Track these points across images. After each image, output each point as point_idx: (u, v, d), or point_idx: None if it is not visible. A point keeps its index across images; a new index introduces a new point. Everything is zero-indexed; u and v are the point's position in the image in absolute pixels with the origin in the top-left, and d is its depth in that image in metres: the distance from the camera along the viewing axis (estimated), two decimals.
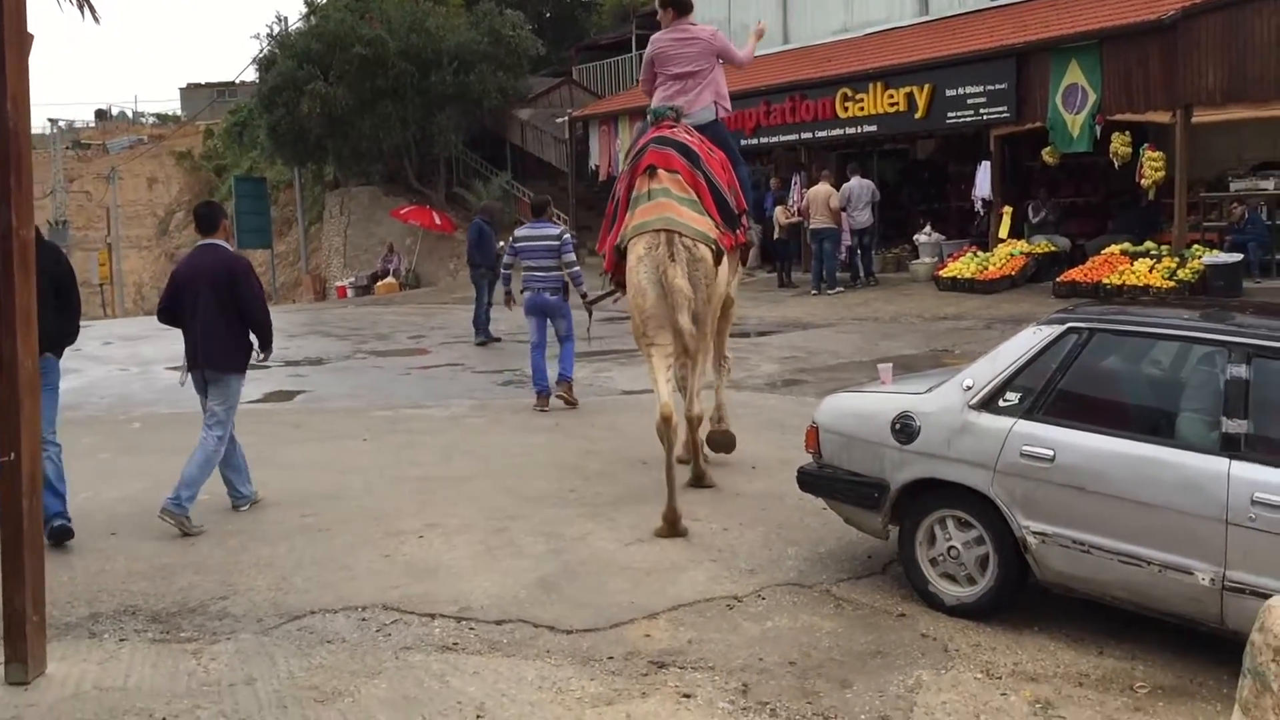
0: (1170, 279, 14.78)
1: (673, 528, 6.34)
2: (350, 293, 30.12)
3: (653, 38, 7.82)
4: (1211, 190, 16.83)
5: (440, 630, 5.08)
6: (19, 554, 4.54)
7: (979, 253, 17.91)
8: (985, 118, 17.69)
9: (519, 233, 10.49)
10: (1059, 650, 4.85)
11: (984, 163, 18.29)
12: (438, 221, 29.65)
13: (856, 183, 19.05)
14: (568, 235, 10.32)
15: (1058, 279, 16.06)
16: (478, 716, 4.25)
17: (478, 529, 6.52)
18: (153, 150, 69.10)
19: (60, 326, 6.23)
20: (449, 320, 18.97)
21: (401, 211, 30.32)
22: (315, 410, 10.68)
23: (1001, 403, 5.10)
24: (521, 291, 10.31)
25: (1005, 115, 17.34)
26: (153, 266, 55.32)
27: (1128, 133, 16.02)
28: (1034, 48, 16.87)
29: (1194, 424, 4.68)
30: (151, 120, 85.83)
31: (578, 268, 10.33)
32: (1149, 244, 15.96)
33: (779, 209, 20.14)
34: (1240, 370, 4.51)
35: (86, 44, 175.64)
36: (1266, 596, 4.22)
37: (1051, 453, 4.85)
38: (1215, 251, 15.29)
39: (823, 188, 18.56)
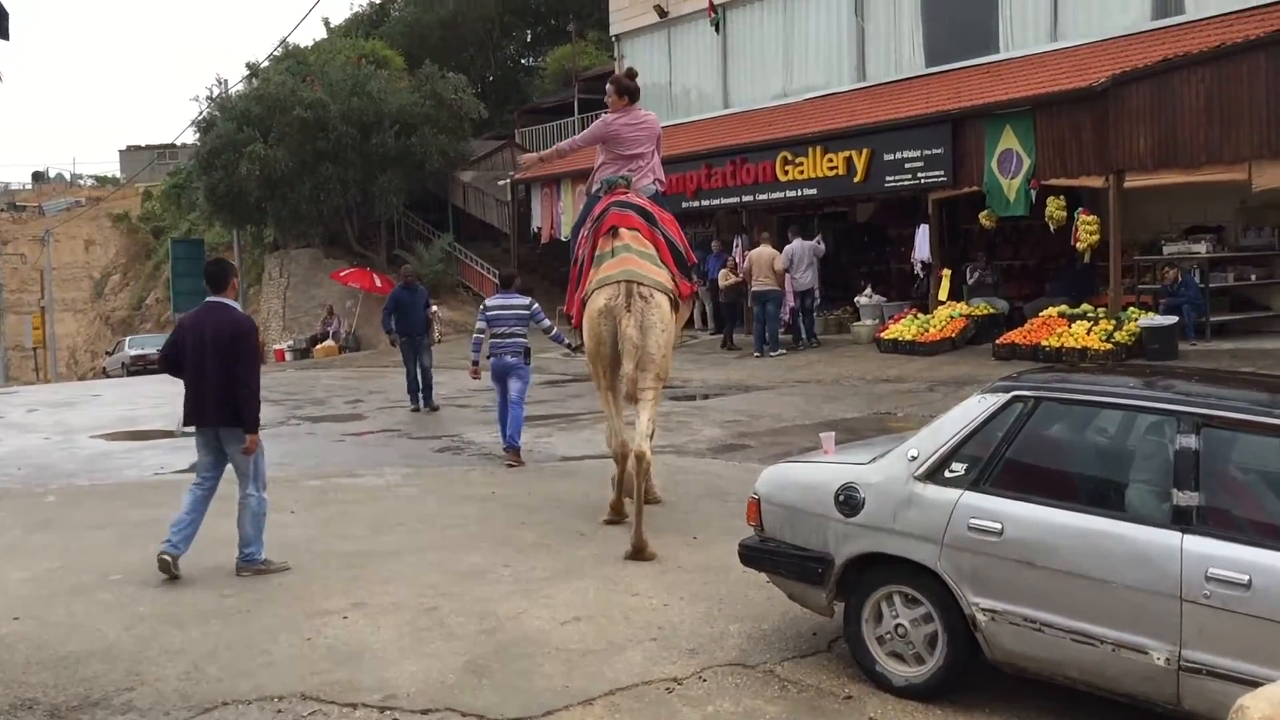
0: (1107, 341, 14.88)
1: (640, 553, 7.07)
2: (289, 356, 29.63)
3: (606, 118, 8.47)
4: (1145, 253, 17.05)
5: None
6: None
7: (919, 315, 17.97)
8: (923, 182, 17.85)
9: (489, 302, 10.97)
10: None
11: (923, 226, 18.42)
12: (378, 284, 29.31)
13: (798, 244, 19.10)
14: (536, 305, 10.87)
15: (997, 341, 16.12)
16: None
17: (406, 608, 6.22)
18: (90, 212, 68.13)
19: None
20: (387, 385, 18.62)
21: (342, 274, 30.00)
22: None
23: (947, 474, 4.94)
24: (488, 357, 10.75)
25: (942, 179, 17.51)
26: (87, 330, 54.27)
27: (1063, 197, 16.22)
28: (969, 114, 17.09)
29: (1144, 496, 4.54)
30: (90, 182, 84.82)
31: (555, 329, 11.07)
32: (1086, 306, 16.10)
33: (722, 271, 20.14)
34: (1189, 440, 4.39)
35: (24, 106, 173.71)
36: (1225, 678, 4.08)
37: (999, 526, 4.69)
38: (1151, 314, 15.44)
39: (765, 250, 18.59)
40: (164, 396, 19.34)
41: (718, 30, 24.60)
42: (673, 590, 6.47)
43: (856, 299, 20.27)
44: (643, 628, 5.87)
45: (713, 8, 24.33)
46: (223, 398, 6.77)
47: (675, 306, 7.94)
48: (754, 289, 18.66)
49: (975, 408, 5.00)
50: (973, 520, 4.76)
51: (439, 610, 6.18)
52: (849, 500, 5.17)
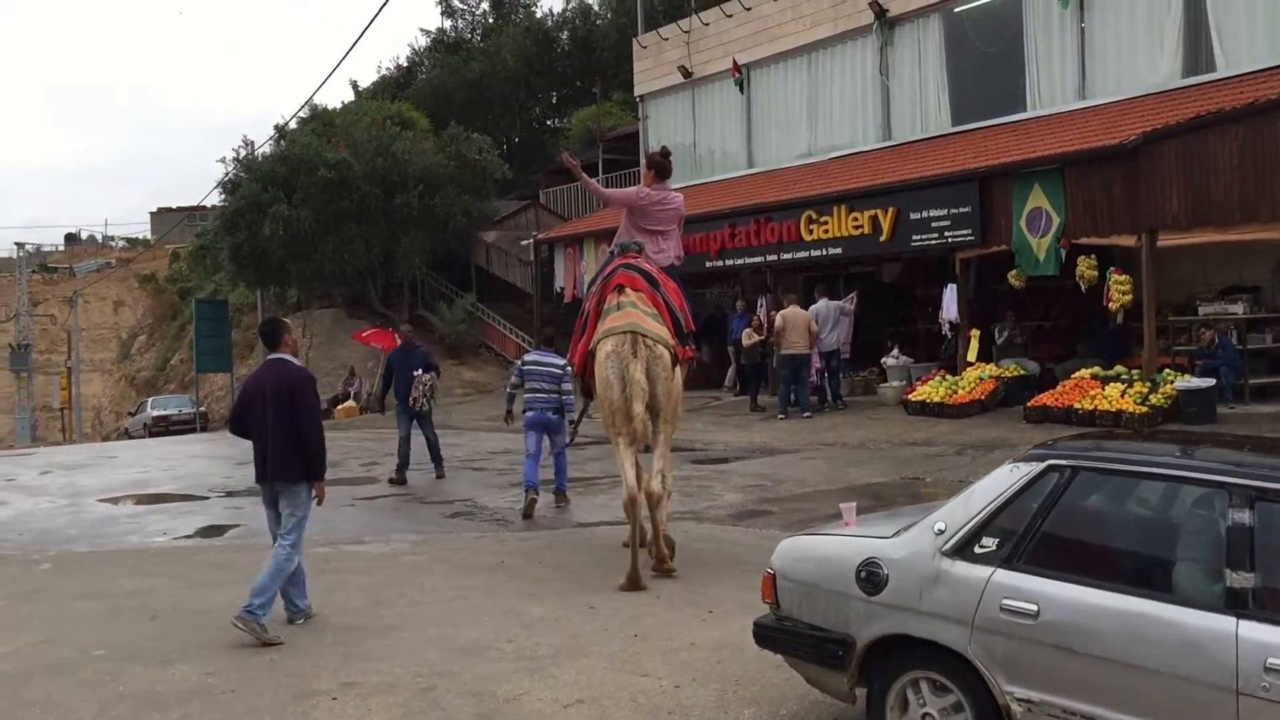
0: (1143, 404, 14.42)
1: (634, 584, 7.68)
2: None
3: (638, 191, 9.08)
4: (1180, 314, 16.62)
5: None
6: None
7: (947, 376, 17.55)
8: (950, 240, 17.53)
9: (528, 358, 11.84)
10: None
11: (950, 285, 18.07)
12: (399, 344, 29.13)
13: (824, 304, 18.77)
14: (569, 367, 10.90)
15: (1028, 403, 15.67)
16: None
17: (401, 688, 5.85)
18: (119, 274, 68.83)
19: None
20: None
21: (364, 334, 29.88)
22: (245, 548, 9.96)
23: (978, 549, 4.56)
24: (524, 411, 11.41)
25: (970, 238, 17.18)
26: (113, 390, 54.45)
27: (1094, 256, 15.84)
28: (997, 172, 16.80)
29: (1194, 576, 4.14)
30: (121, 244, 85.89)
31: (571, 397, 11.32)
32: (1119, 368, 15.64)
33: (746, 330, 19.82)
34: (1243, 515, 3.99)
35: (59, 168, 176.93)
36: None
37: (1035, 607, 4.29)
38: (1187, 376, 14.96)
39: (799, 311, 18.22)
40: (177, 459, 19.17)
41: (742, 90, 24.53)
42: (684, 670, 6.06)
43: (883, 360, 19.88)
44: (650, 713, 5.47)
45: (737, 68, 24.29)
46: (281, 452, 6.87)
47: (675, 362, 8.35)
48: (787, 352, 18.16)
49: (1007, 478, 4.62)
50: (1006, 601, 4.37)
51: (435, 690, 5.80)
52: (871, 577, 4.78)
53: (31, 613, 7.63)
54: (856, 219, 18.83)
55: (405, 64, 43.71)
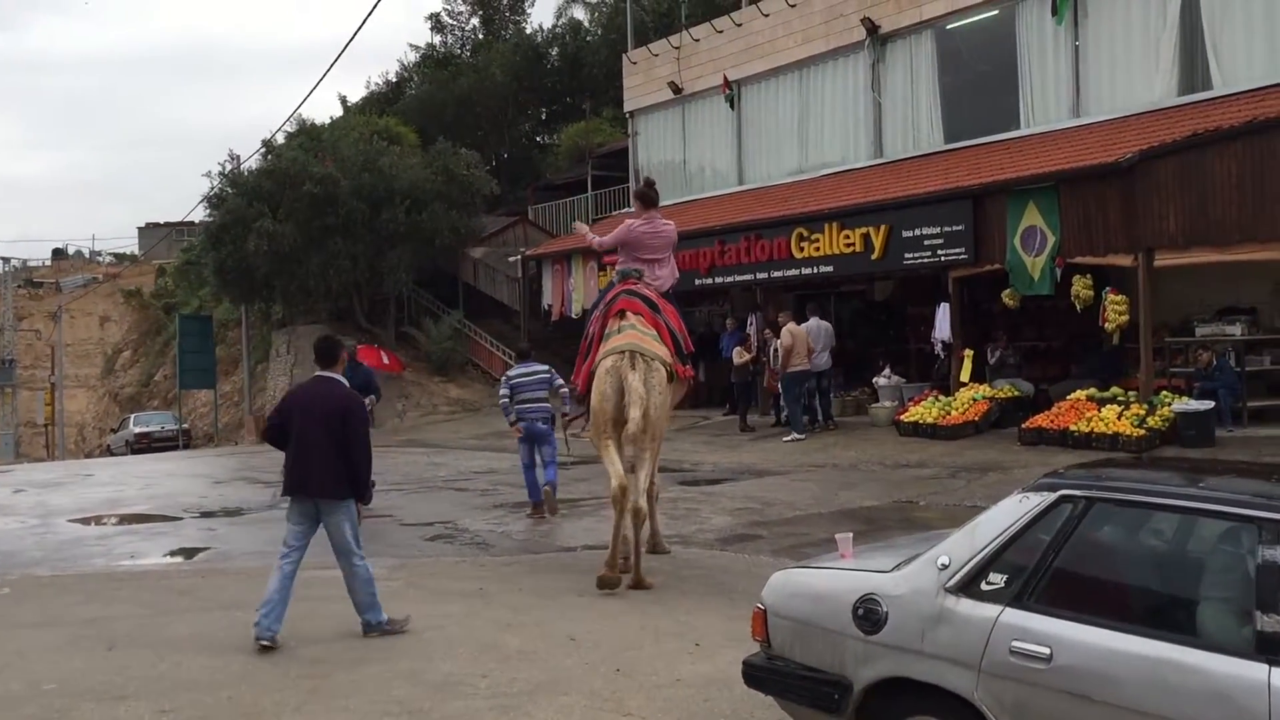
0: (1140, 427, 14.13)
1: (609, 584, 8.18)
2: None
3: (630, 224, 9.47)
4: (1176, 335, 16.35)
5: None
6: None
7: (940, 397, 17.25)
8: (943, 259, 17.25)
9: (512, 372, 12.28)
10: None
11: (943, 304, 17.77)
12: (385, 361, 28.76)
13: (814, 324, 18.47)
14: (551, 369, 12.17)
15: (1023, 425, 15.37)
16: None
17: None
18: (106, 289, 68.31)
19: None
20: (387, 465, 17.94)
21: None
22: (212, 572, 9.59)
23: (984, 586, 4.22)
24: (517, 421, 11.91)
25: (963, 257, 16.92)
26: (97, 406, 53.86)
27: (1089, 275, 15.57)
28: (990, 189, 16.54)
29: (1221, 618, 3.81)
30: (108, 259, 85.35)
31: (566, 388, 11.33)
32: (1115, 390, 15.35)
33: (737, 349, 19.50)
34: (1275, 553, 3.67)
35: (47, 184, 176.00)
36: None
37: (1047, 650, 3.96)
38: (1185, 399, 14.68)
39: (800, 329, 17.91)
40: (155, 477, 18.76)
41: (732, 106, 24.29)
42: (669, 709, 5.71)
43: (875, 379, 19.57)
44: None
45: (727, 84, 24.06)
46: (327, 470, 6.92)
47: (671, 379, 8.82)
48: (799, 368, 17.73)
49: (1016, 509, 4.29)
50: (1015, 643, 4.03)
51: None
52: (869, 615, 4.45)
53: None
54: (848, 237, 18.55)
55: (394, 79, 43.51)
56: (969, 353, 17.45)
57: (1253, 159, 13.91)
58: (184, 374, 35.34)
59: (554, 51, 39.98)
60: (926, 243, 17.37)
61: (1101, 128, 17.23)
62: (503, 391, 12.19)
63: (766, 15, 23.47)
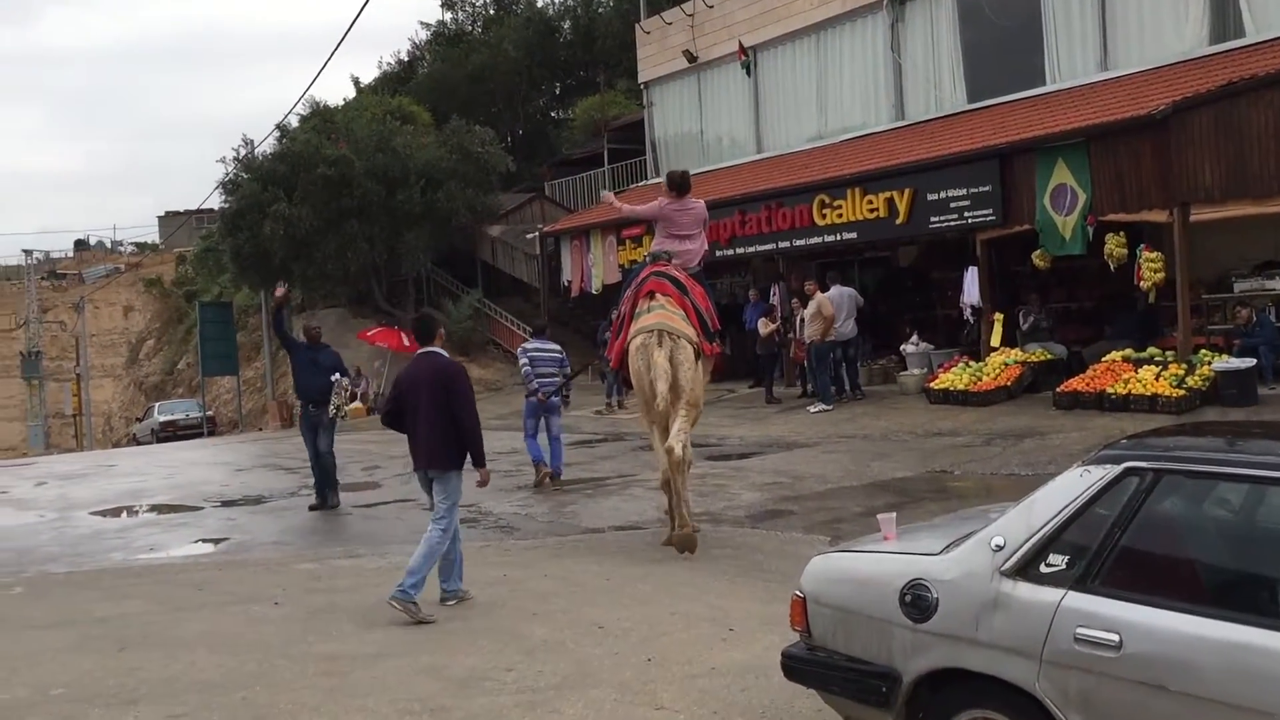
0: (1179, 387, 13.70)
1: (688, 544, 8.56)
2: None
3: (661, 202, 9.88)
4: (1213, 291, 15.87)
5: None
6: None
7: (971, 363, 16.84)
8: (970, 221, 16.80)
9: (529, 345, 13.08)
10: None
11: (971, 268, 17.33)
12: (406, 343, 28.52)
13: (837, 291, 18.06)
14: (564, 353, 13.23)
15: (1058, 389, 14.95)
16: None
17: None
18: (129, 278, 68.51)
19: None
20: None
21: (369, 333, 29.30)
22: (230, 564, 9.35)
23: (1044, 568, 3.89)
24: (529, 396, 12.63)
25: (991, 218, 16.46)
26: (122, 395, 53.99)
27: (1123, 233, 15.10)
28: (1018, 148, 16.06)
29: None
30: (130, 249, 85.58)
31: (568, 368, 13.24)
32: (1152, 350, 14.91)
33: (762, 320, 19.12)
34: None
35: (72, 176, 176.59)
36: None
37: (1117, 637, 3.62)
38: (1225, 357, 14.23)
39: (825, 296, 17.54)
40: (178, 466, 18.60)
41: (749, 73, 23.83)
42: (704, 701, 5.41)
43: (902, 347, 19.16)
44: None
45: (743, 51, 23.58)
46: (433, 441, 7.23)
47: (698, 356, 9.21)
48: (831, 338, 17.43)
49: (1077, 484, 3.95)
50: (1080, 629, 3.70)
51: None
52: (918, 601, 4.13)
53: None
54: (871, 202, 18.12)
55: (406, 58, 43.10)
56: (999, 317, 17.02)
57: None
58: (206, 361, 35.25)
59: (566, 24, 39.48)
60: (953, 205, 16.92)
61: (1131, 80, 16.72)
62: (523, 360, 12.79)
63: None
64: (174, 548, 10.43)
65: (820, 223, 19.06)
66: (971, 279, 17.36)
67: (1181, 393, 13.60)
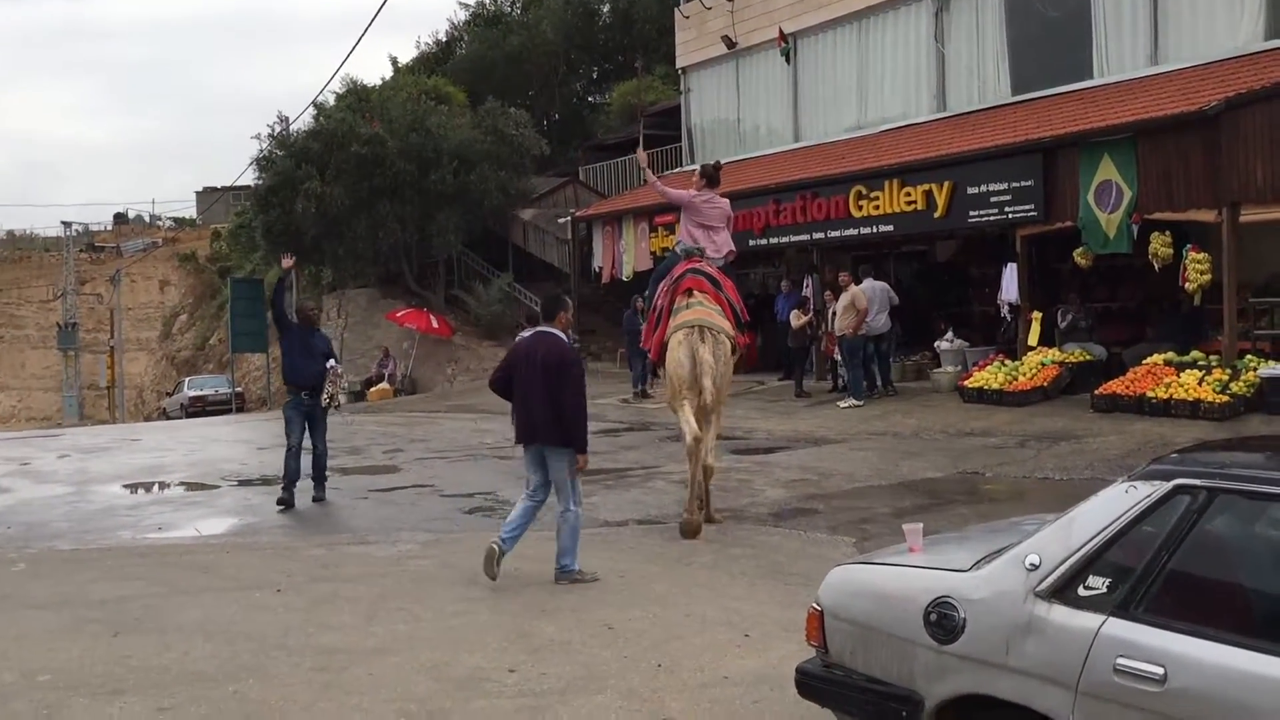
0: (1223, 393, 13.26)
1: (693, 530, 9.01)
2: (342, 399, 28.76)
3: (690, 193, 10.41)
4: (1261, 295, 15.37)
5: None
6: None
7: (1007, 361, 16.42)
8: (1010, 216, 16.37)
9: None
10: None
11: (1010, 265, 16.89)
12: (435, 325, 28.43)
13: (869, 285, 17.67)
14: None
15: (1096, 391, 14.52)
16: None
17: None
18: (165, 253, 68.91)
19: None
20: (432, 432, 17.57)
21: (398, 315, 29.16)
22: (238, 546, 9.15)
23: (1083, 591, 3.59)
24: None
25: (1032, 214, 16.02)
26: (154, 369, 54.31)
27: (1168, 232, 14.63)
28: (1063, 142, 15.60)
29: None
30: (168, 224, 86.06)
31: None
32: (1196, 354, 14.46)
33: (794, 312, 18.76)
34: None
35: (114, 148, 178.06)
36: None
37: (1161, 670, 3.31)
38: (1272, 363, 13.77)
39: (866, 285, 17.21)
40: (200, 442, 18.52)
41: (788, 60, 23.39)
42: (713, 713, 5.14)
43: (937, 343, 18.76)
44: None
45: (783, 37, 23.15)
46: (551, 420, 7.44)
47: (734, 351, 9.80)
48: (865, 331, 17.08)
49: (1122, 501, 3.63)
50: (1121, 660, 3.39)
51: None
52: (943, 621, 3.83)
53: None
54: (909, 194, 17.71)
55: (444, 39, 42.82)
56: (1037, 315, 16.59)
57: None
58: (236, 337, 35.20)
59: (605, 8, 39.09)
60: (993, 199, 16.49)
61: (1181, 75, 16.20)
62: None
63: None
64: (183, 527, 10.24)
65: (856, 214, 18.67)
66: (1010, 275, 16.93)
67: (1225, 399, 13.16)
